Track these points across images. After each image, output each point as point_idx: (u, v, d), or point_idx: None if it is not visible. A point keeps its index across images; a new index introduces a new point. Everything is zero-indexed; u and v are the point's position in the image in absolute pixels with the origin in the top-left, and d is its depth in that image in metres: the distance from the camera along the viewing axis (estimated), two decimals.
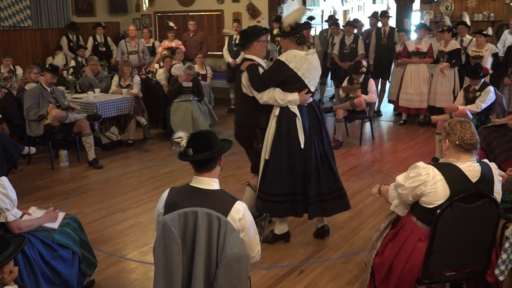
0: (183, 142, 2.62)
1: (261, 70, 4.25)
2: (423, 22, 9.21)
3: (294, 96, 4.16)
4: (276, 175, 4.22)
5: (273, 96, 4.17)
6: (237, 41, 9.52)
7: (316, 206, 4.28)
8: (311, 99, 4.29)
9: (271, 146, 4.24)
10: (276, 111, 4.23)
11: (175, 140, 2.66)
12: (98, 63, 8.25)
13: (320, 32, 10.40)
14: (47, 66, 6.87)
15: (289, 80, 4.15)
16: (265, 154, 4.29)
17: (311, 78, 4.22)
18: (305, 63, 4.18)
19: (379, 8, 15.49)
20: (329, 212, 4.38)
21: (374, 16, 10.05)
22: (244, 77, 4.28)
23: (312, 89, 4.27)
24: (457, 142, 2.86)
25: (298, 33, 4.21)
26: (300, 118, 4.18)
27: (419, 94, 8.55)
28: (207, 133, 2.67)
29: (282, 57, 4.21)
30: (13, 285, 2.63)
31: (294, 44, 4.24)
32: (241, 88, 4.35)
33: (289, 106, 4.18)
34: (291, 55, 4.19)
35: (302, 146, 4.17)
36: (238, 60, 8.83)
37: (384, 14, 9.40)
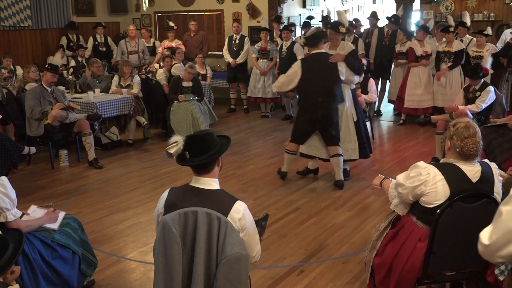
0: (180, 145, 2.60)
1: None
2: (426, 24, 9.15)
3: None
4: (362, 129, 5.85)
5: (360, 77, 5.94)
6: (237, 41, 9.63)
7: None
8: None
9: (356, 113, 5.77)
10: (352, 86, 5.80)
11: (168, 150, 2.61)
12: (101, 66, 8.25)
13: None
14: (47, 65, 6.87)
15: None
16: (352, 118, 5.75)
17: None
18: None
19: (379, 8, 15.51)
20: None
21: (374, 16, 10.03)
22: (343, 66, 5.53)
23: None
24: (457, 150, 2.85)
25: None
26: None
27: (427, 94, 8.52)
28: (203, 135, 2.63)
29: (352, 48, 5.75)
30: (14, 285, 2.64)
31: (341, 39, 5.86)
32: (329, 76, 5.49)
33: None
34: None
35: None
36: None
37: (397, 21, 9.16)
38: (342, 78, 5.55)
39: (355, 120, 5.76)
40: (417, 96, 8.57)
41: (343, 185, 5.73)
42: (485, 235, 1.92)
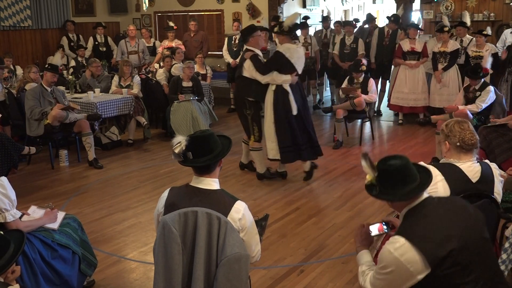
0: (182, 145, 2.59)
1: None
2: (415, 22, 9.20)
3: (288, 77, 5.67)
4: (283, 132, 5.72)
5: (273, 77, 5.65)
6: (237, 41, 9.65)
7: (308, 152, 5.86)
8: (298, 79, 5.87)
9: (274, 113, 5.71)
10: (273, 87, 5.70)
11: (174, 150, 2.58)
12: (100, 65, 8.26)
13: (315, 33, 10.40)
14: (47, 65, 6.87)
15: (284, 65, 5.64)
16: (271, 119, 5.74)
17: (299, 64, 5.78)
18: (296, 54, 5.68)
19: (379, 8, 15.50)
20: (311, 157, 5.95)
21: (371, 20, 10.03)
22: (248, 64, 5.70)
23: (300, 72, 5.84)
24: (458, 144, 2.86)
25: (294, 32, 5.84)
26: (291, 93, 5.69)
27: (413, 93, 8.55)
28: (206, 136, 2.62)
29: (280, 49, 5.71)
30: (15, 285, 2.64)
31: (288, 39, 5.79)
32: (238, 69, 5.90)
33: (283, 84, 5.67)
34: (286, 48, 5.67)
35: (295, 112, 5.69)
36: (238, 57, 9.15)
37: (397, 20, 9.20)
38: (244, 74, 5.73)
39: (272, 121, 5.72)
40: (402, 94, 8.63)
41: (260, 176, 6.05)
42: None
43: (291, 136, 5.73)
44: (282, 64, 5.64)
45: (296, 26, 5.88)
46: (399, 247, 2.20)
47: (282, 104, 5.69)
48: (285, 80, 5.67)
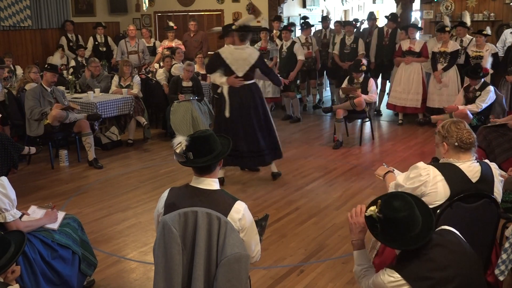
0: (183, 146, 2.58)
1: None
2: (412, 21, 9.25)
3: (223, 79, 5.61)
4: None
5: (213, 77, 5.72)
6: None
7: (251, 160, 5.78)
8: (243, 83, 5.61)
9: (216, 115, 5.86)
10: (219, 90, 5.77)
11: (176, 151, 2.58)
12: (99, 65, 8.26)
13: (314, 33, 10.41)
14: (46, 65, 6.87)
15: (222, 66, 5.58)
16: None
17: (238, 66, 5.58)
18: (234, 54, 5.57)
19: (379, 8, 15.50)
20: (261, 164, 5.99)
21: (372, 18, 10.04)
22: None
23: (240, 75, 5.59)
24: (456, 144, 2.86)
25: (241, 32, 5.59)
26: (226, 96, 5.62)
27: (407, 93, 8.56)
28: (207, 136, 2.62)
29: (220, 50, 5.67)
30: (14, 285, 2.64)
31: (238, 39, 5.61)
32: None
33: (223, 86, 5.65)
34: (226, 48, 5.69)
35: (227, 115, 5.61)
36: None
37: (395, 18, 9.23)
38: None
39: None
40: (396, 93, 8.68)
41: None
42: None
43: None
44: (221, 64, 5.58)
45: (245, 27, 5.66)
46: (394, 282, 2.21)
47: (220, 106, 5.70)
48: (221, 82, 5.63)
